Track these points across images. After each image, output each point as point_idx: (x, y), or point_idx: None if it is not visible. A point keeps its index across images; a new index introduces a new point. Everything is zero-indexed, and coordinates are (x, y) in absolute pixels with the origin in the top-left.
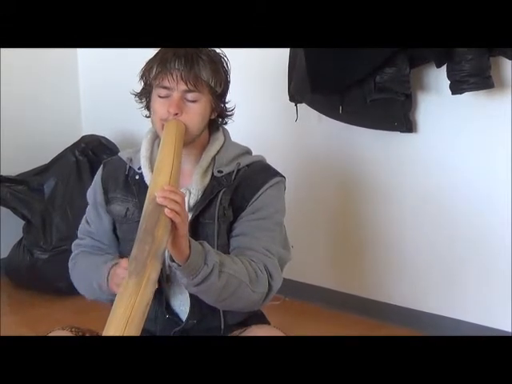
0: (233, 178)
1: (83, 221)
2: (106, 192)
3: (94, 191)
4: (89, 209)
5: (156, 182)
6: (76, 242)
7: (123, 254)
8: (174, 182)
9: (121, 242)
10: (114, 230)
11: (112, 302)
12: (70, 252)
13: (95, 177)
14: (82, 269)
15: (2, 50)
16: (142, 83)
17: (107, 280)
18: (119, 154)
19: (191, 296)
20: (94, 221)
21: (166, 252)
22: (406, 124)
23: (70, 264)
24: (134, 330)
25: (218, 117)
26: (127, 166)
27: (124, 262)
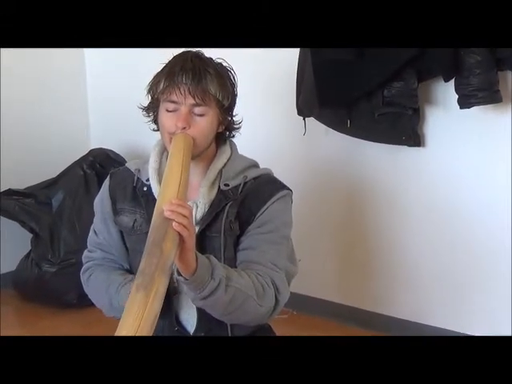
0: (239, 191)
1: (91, 231)
2: (113, 203)
3: (102, 202)
4: (96, 219)
5: (164, 195)
6: (86, 253)
7: (132, 265)
8: (181, 196)
9: (130, 252)
10: (123, 240)
11: None
12: (81, 263)
13: (102, 187)
14: (98, 286)
15: (12, 65)
16: (150, 97)
17: None
18: (126, 164)
19: (198, 309)
20: (103, 232)
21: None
22: (414, 138)
23: (84, 277)
24: None
25: (225, 130)
26: (135, 178)
27: None
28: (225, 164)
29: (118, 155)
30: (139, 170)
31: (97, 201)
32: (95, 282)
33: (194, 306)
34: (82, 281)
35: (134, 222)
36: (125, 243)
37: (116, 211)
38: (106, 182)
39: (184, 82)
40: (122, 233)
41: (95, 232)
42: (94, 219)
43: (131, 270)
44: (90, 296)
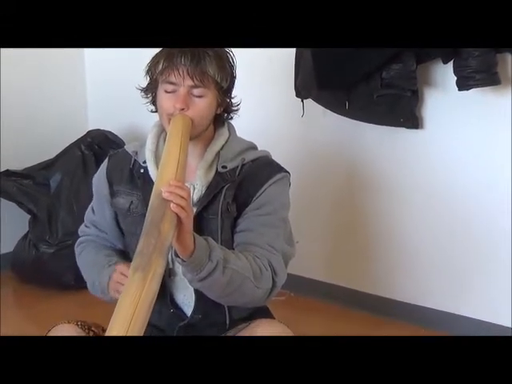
0: (237, 173)
1: (90, 207)
2: (110, 185)
3: (99, 183)
4: (94, 198)
5: (162, 176)
6: (82, 227)
7: (128, 246)
8: (179, 177)
9: (125, 234)
10: (117, 222)
11: (113, 302)
12: (78, 237)
13: (100, 168)
14: (86, 263)
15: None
16: (148, 78)
17: (108, 285)
18: (125, 147)
19: (196, 291)
20: (98, 212)
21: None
22: (413, 120)
23: (77, 250)
24: (139, 324)
25: (223, 112)
26: (132, 160)
27: (120, 267)
28: (223, 146)
29: (116, 136)
30: (137, 153)
31: (94, 181)
32: (85, 258)
33: (191, 288)
34: (76, 253)
35: (130, 204)
36: (118, 225)
37: (113, 193)
38: (104, 164)
39: (183, 63)
40: (116, 215)
41: (93, 209)
42: (93, 197)
43: (127, 252)
44: (81, 270)
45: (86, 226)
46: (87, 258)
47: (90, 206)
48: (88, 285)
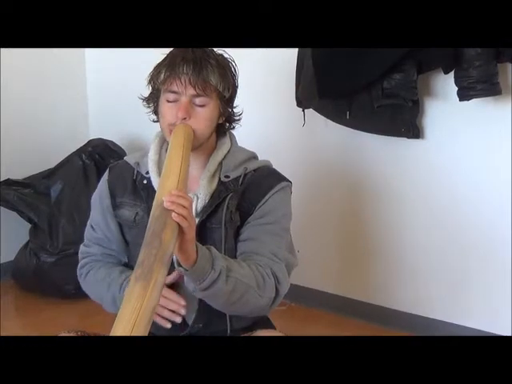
0: (240, 182)
1: (88, 226)
2: (113, 197)
3: (101, 196)
4: (94, 214)
5: (164, 186)
6: (83, 248)
7: (133, 258)
8: (181, 187)
9: (130, 246)
10: (122, 234)
11: None
12: (77, 256)
13: (101, 181)
14: (98, 283)
15: (11, 54)
16: (150, 88)
17: None
18: (125, 158)
19: (198, 300)
20: (102, 226)
21: (173, 256)
22: (413, 130)
23: (81, 272)
24: (140, 333)
25: (225, 121)
26: (135, 171)
27: None
28: (225, 156)
29: (117, 146)
30: (138, 164)
31: (95, 195)
32: (94, 278)
33: (194, 298)
34: (79, 276)
35: (136, 215)
36: (124, 237)
37: (115, 205)
38: (105, 177)
39: (185, 72)
40: (121, 227)
41: (92, 227)
42: (91, 214)
43: (130, 264)
44: (87, 291)
45: (87, 246)
46: (98, 278)
47: (89, 225)
48: (106, 305)
